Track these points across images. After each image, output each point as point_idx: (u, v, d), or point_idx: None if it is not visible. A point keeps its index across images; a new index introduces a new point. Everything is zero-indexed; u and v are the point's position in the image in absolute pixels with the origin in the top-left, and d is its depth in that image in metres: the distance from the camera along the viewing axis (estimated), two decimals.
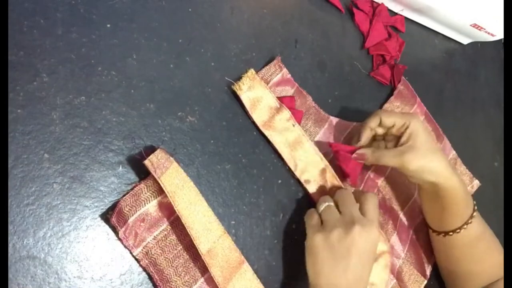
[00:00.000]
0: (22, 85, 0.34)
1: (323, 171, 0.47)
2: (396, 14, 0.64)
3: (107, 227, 0.35)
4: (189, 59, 0.43)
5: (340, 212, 0.41)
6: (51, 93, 0.35)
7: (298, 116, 0.47)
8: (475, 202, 0.49)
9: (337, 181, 0.47)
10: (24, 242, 0.32)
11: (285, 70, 0.49)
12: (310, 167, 0.46)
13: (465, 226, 0.47)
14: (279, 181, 0.46)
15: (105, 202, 0.36)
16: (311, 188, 0.46)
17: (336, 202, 0.43)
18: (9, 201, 0.32)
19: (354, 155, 0.47)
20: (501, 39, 0.72)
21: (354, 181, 0.48)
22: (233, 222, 0.42)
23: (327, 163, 0.47)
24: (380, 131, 0.48)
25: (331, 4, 0.57)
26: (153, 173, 0.35)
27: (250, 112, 0.44)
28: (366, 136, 0.48)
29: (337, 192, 0.44)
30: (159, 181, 0.35)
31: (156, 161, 0.36)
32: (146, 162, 0.36)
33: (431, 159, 0.45)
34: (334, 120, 0.52)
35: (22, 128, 0.33)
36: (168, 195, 0.35)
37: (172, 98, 0.41)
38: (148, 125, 0.39)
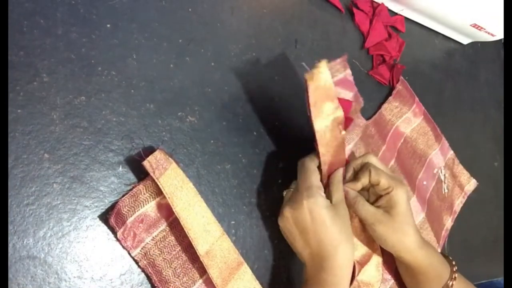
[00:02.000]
0: (22, 85, 0.34)
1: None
2: (396, 14, 0.64)
3: (107, 227, 0.35)
4: (189, 59, 0.43)
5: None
6: (51, 93, 0.35)
7: (347, 123, 0.44)
8: (455, 269, 0.46)
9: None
10: (24, 242, 0.32)
11: (348, 71, 0.47)
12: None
13: None
14: (279, 181, 0.46)
15: (105, 202, 0.36)
16: None
17: None
18: (9, 201, 0.32)
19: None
20: (501, 39, 0.72)
21: None
22: (233, 222, 0.42)
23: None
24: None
25: (331, 4, 0.57)
26: (152, 174, 0.35)
27: (311, 105, 0.40)
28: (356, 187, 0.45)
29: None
30: (158, 182, 0.35)
31: (154, 162, 0.36)
32: (145, 163, 0.36)
33: (398, 234, 0.43)
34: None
35: (22, 128, 0.33)
36: (166, 196, 0.35)
37: (172, 98, 0.41)
38: (148, 125, 0.39)
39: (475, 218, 0.67)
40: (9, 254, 0.31)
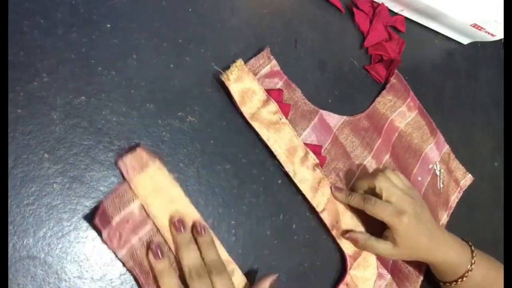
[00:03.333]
0: (22, 85, 0.34)
1: (304, 159, 0.46)
2: (396, 14, 0.64)
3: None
4: (189, 59, 0.43)
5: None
6: (51, 93, 0.35)
7: (285, 109, 0.47)
8: (473, 248, 0.50)
9: (322, 174, 0.47)
10: (24, 242, 0.32)
11: (274, 62, 0.48)
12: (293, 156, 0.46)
13: (466, 276, 0.48)
14: (279, 181, 0.46)
15: None
16: (303, 187, 0.46)
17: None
18: (9, 201, 0.32)
19: (347, 235, 0.48)
20: (501, 39, 0.72)
21: None
22: (233, 222, 0.42)
23: (311, 154, 0.47)
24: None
25: (331, 4, 0.57)
26: (125, 174, 0.35)
27: (238, 104, 0.44)
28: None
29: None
30: (131, 183, 0.35)
31: (129, 162, 0.36)
32: (120, 163, 0.35)
33: (410, 254, 0.48)
34: (324, 113, 0.51)
35: (22, 128, 0.33)
36: (139, 197, 0.35)
37: (172, 98, 0.41)
38: (148, 125, 0.39)
39: (475, 218, 0.67)
40: (9, 254, 0.31)
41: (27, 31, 0.35)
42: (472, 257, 0.49)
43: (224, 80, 0.43)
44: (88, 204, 0.35)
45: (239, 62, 0.44)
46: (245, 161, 0.44)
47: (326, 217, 0.47)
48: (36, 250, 0.32)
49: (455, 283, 0.49)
